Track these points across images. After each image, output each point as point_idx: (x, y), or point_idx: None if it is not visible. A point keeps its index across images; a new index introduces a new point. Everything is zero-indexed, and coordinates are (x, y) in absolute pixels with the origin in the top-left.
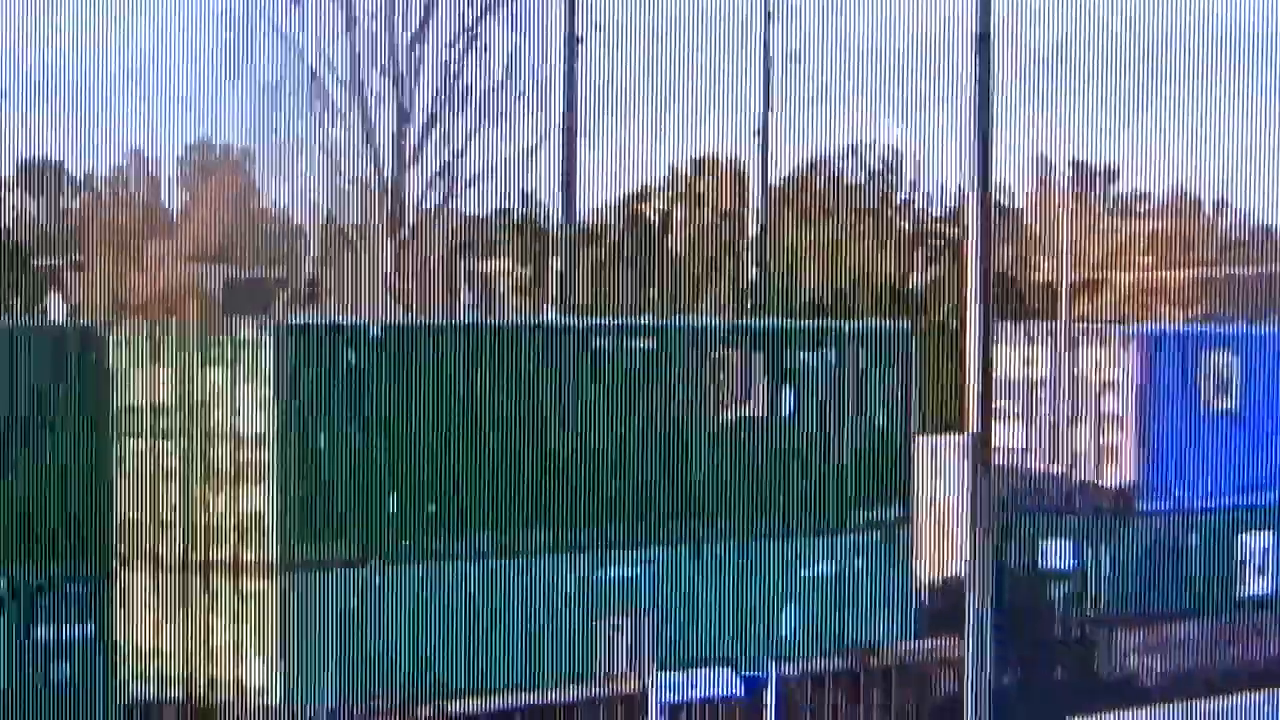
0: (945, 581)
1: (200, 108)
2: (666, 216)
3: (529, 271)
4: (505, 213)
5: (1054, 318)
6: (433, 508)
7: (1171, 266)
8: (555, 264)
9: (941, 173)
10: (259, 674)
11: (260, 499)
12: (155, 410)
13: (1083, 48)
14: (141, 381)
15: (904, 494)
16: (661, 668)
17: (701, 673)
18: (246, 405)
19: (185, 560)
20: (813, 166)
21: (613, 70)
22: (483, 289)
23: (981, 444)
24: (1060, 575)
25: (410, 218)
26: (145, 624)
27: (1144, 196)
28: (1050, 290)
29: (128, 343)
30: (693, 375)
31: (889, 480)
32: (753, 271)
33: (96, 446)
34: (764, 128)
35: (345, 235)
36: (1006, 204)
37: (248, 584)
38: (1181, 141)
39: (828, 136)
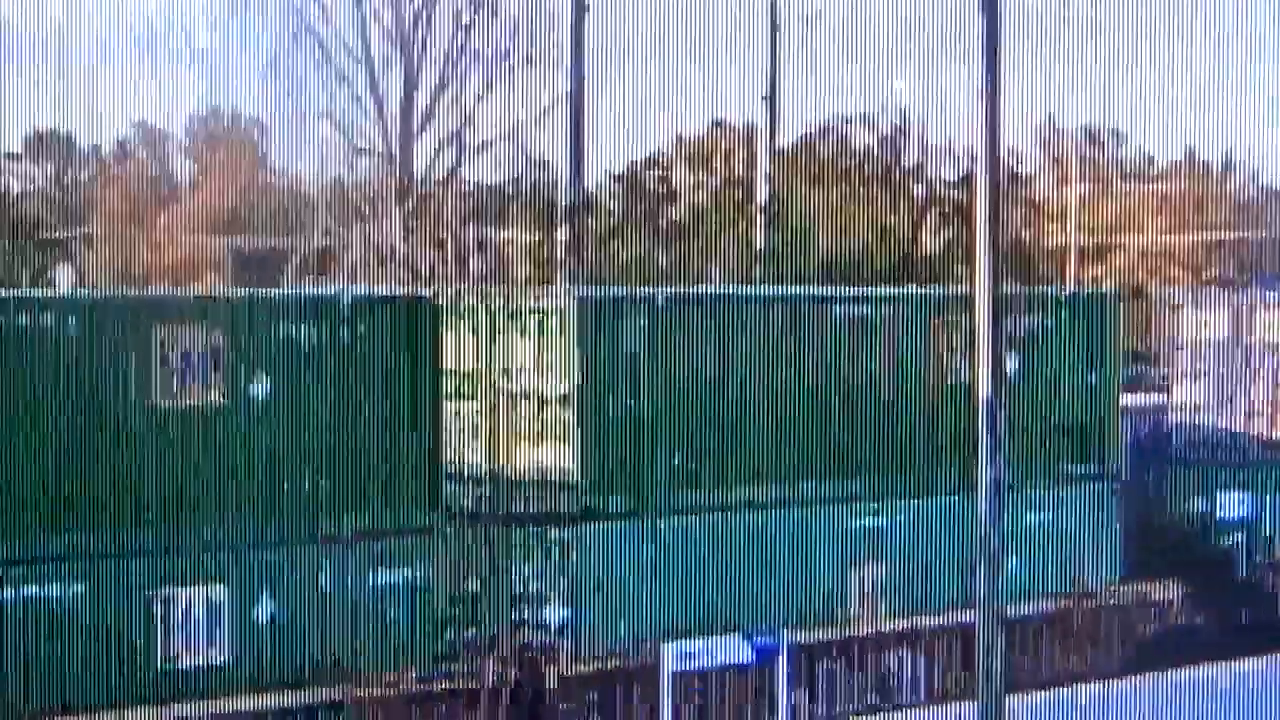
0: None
1: (208, 77)
2: (675, 182)
3: (538, 239)
4: (514, 180)
5: (1063, 282)
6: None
7: (1181, 230)
8: (564, 232)
9: (952, 136)
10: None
11: (563, 455)
12: (463, 374)
13: (1091, 9)
14: (453, 346)
15: (1111, 448)
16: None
17: (712, 641)
18: (549, 369)
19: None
20: (823, 131)
21: (621, 35)
22: (492, 257)
23: (995, 408)
24: (1235, 525)
25: (419, 186)
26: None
27: (1152, 160)
28: (1060, 254)
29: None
30: (927, 340)
31: (1098, 436)
32: (761, 236)
33: (432, 406)
34: (772, 92)
35: (354, 204)
36: (1016, 168)
37: (550, 533)
38: (1189, 103)
39: (837, 100)
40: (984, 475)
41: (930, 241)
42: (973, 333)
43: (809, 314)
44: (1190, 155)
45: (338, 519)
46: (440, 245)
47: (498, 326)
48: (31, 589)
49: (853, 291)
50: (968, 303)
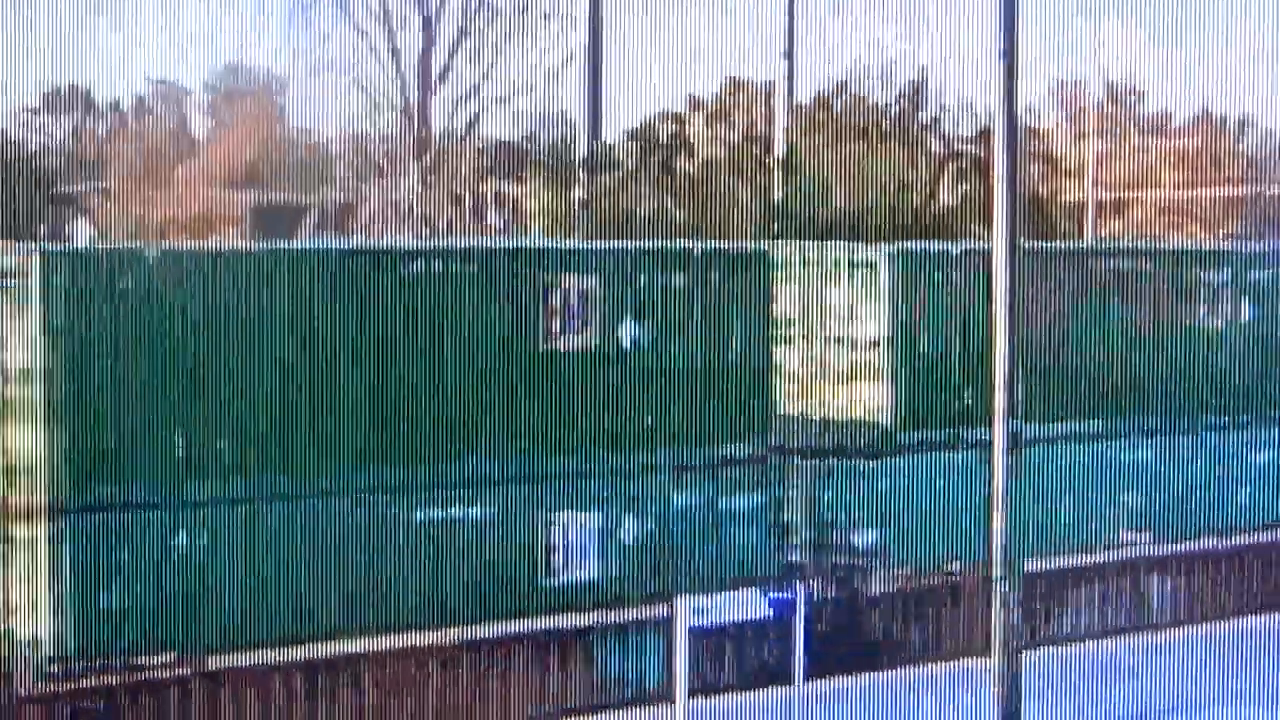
0: None
1: (225, 32)
2: (692, 137)
3: (555, 193)
4: (531, 135)
5: (1080, 236)
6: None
7: (1198, 185)
8: (580, 187)
9: (970, 92)
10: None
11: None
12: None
13: None
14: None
15: None
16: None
17: (728, 595)
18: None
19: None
20: (840, 87)
21: None
22: (511, 212)
23: (1008, 363)
24: None
25: (436, 141)
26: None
27: (1169, 115)
28: (1078, 209)
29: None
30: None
31: None
32: (779, 190)
33: (764, 350)
34: (790, 48)
35: (371, 159)
36: (1035, 124)
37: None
38: (1206, 59)
39: (854, 56)
40: (999, 428)
41: (947, 196)
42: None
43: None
44: (1206, 111)
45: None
46: (457, 200)
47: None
48: (440, 510)
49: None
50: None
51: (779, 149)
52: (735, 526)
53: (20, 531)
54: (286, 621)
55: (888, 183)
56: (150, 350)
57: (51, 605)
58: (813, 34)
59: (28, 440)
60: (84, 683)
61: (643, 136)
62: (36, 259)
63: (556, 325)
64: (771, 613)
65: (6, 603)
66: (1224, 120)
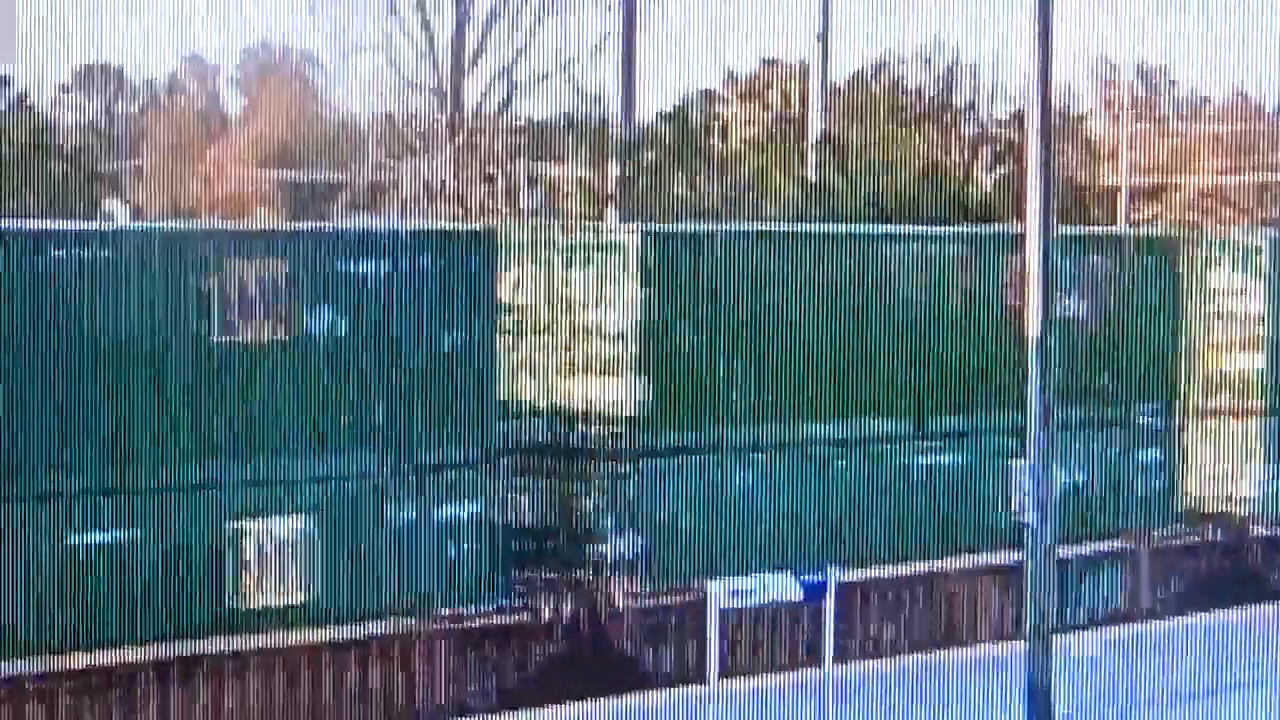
0: None
1: (258, 9)
2: (728, 118)
3: (589, 174)
4: (566, 115)
5: (1114, 222)
6: None
7: (1233, 171)
8: (615, 167)
9: (1005, 75)
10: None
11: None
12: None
13: None
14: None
15: None
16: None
17: (759, 578)
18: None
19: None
20: (875, 69)
21: None
22: (543, 192)
23: (1042, 347)
24: None
25: (469, 120)
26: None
27: (1206, 99)
28: (1113, 194)
29: None
30: None
31: None
32: (814, 172)
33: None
34: (825, 29)
35: (404, 139)
36: (1070, 107)
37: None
38: (1243, 43)
39: (891, 39)
40: (1032, 416)
41: (983, 179)
42: None
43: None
44: (1243, 95)
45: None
46: (491, 180)
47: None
48: None
49: None
50: None
51: (814, 131)
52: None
53: None
54: None
55: (922, 165)
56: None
57: None
58: (850, 15)
59: None
60: None
61: (678, 116)
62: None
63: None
64: (803, 595)
65: None
66: (1261, 105)
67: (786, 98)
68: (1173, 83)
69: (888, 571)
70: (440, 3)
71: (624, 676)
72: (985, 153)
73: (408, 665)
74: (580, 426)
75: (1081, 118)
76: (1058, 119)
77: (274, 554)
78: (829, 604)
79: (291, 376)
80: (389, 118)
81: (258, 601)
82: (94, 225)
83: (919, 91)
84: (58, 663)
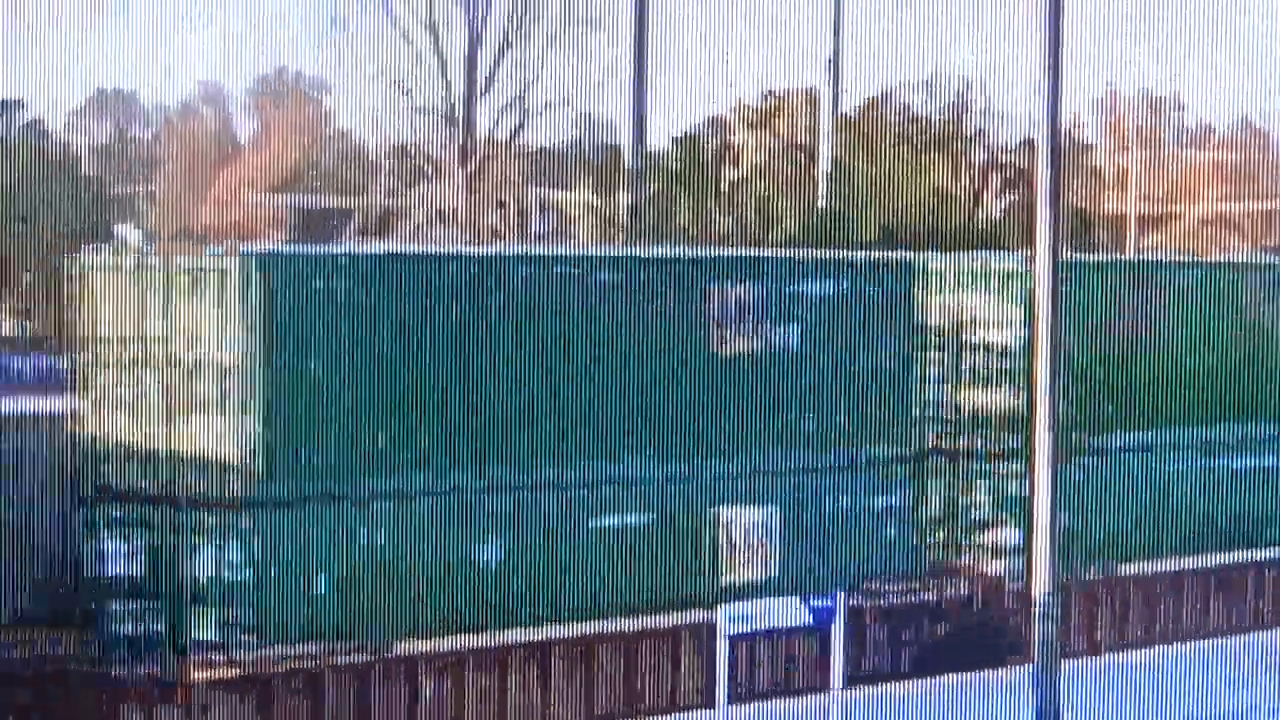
0: None
1: (271, 35)
2: (738, 146)
3: (600, 200)
4: (576, 144)
5: (1122, 249)
6: None
7: (1237, 199)
8: (625, 194)
9: (1014, 104)
10: None
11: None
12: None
13: None
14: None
15: None
16: None
17: (769, 603)
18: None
19: None
20: (885, 96)
21: None
22: (555, 218)
23: (1051, 361)
24: None
25: (480, 147)
26: None
27: (1211, 128)
28: (1119, 221)
29: None
30: None
31: None
32: (824, 199)
33: None
34: (836, 58)
35: (417, 165)
36: (1077, 136)
37: None
38: (1248, 73)
39: (900, 67)
40: (1041, 440)
41: (993, 206)
42: None
43: None
44: (1248, 124)
45: None
46: (501, 206)
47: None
48: None
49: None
50: None
51: (824, 159)
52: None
53: None
54: None
55: (931, 193)
56: None
57: None
58: (858, 43)
59: None
60: None
61: (688, 144)
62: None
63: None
64: (813, 619)
65: None
66: (1266, 133)
67: (796, 126)
68: (1180, 110)
69: None
70: (453, 30)
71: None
72: (995, 179)
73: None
74: None
75: (1088, 146)
76: (1066, 146)
77: (746, 537)
78: (839, 627)
79: (761, 383)
80: (401, 144)
81: (735, 578)
82: (617, 252)
83: (928, 119)
84: (591, 628)
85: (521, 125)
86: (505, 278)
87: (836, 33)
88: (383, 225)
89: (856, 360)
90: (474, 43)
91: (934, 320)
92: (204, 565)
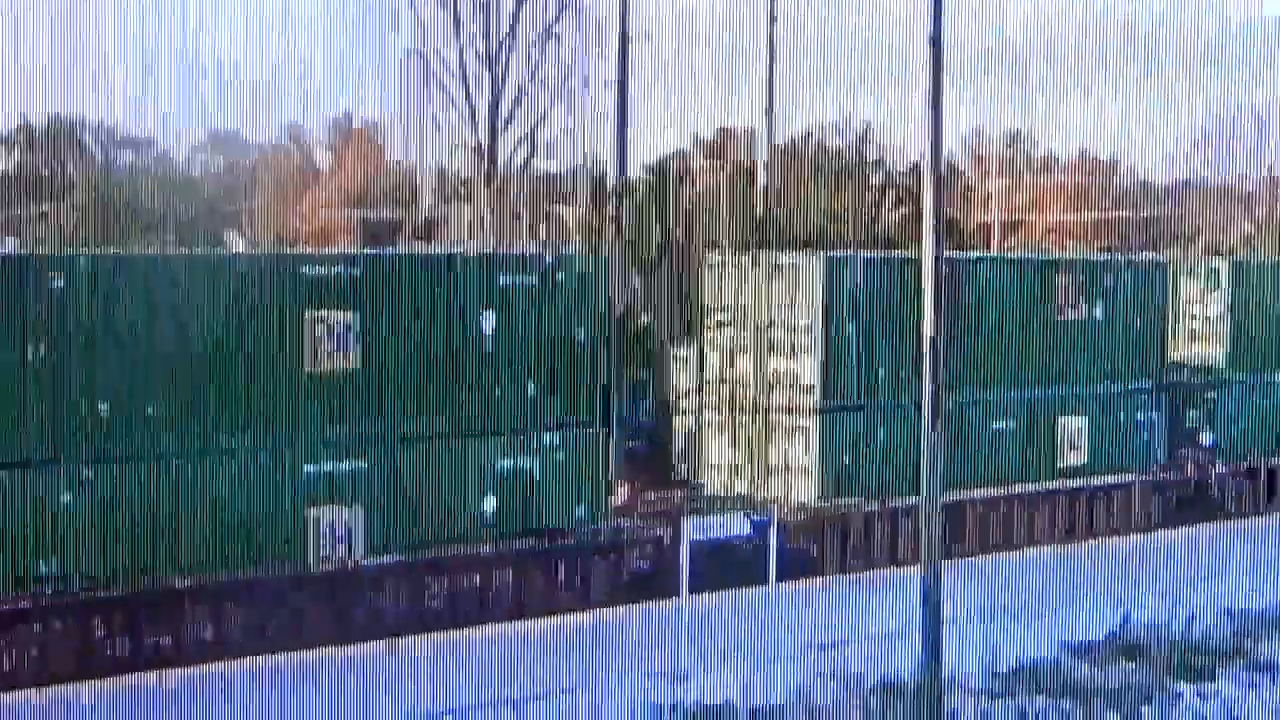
0: None
1: (342, 89)
2: (696, 170)
3: (591, 214)
4: (573, 170)
5: (988, 249)
6: None
7: (1078, 210)
8: (609, 209)
9: (904, 139)
10: None
11: None
12: None
13: (1012, 43)
14: None
15: None
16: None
17: (721, 518)
18: None
19: None
20: (806, 135)
21: (656, 60)
22: (557, 228)
23: (934, 349)
24: None
25: (501, 173)
26: None
27: (1056, 158)
28: (985, 228)
29: None
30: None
31: None
32: (759, 211)
33: None
34: (770, 105)
35: (452, 187)
36: (953, 162)
37: None
38: (1086, 114)
39: (819, 112)
40: (926, 387)
41: (888, 217)
42: None
43: None
44: (1084, 154)
45: None
46: (517, 218)
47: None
48: None
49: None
50: None
51: (761, 180)
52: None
53: None
54: None
55: (842, 206)
56: None
57: None
58: (787, 94)
59: None
60: None
61: (658, 169)
62: None
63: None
64: (751, 529)
65: None
66: (1098, 161)
67: (741, 155)
68: (1033, 144)
69: None
70: (480, 84)
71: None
72: (890, 197)
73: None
74: None
75: (962, 172)
76: (945, 171)
77: (1072, 437)
78: (772, 537)
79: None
80: (440, 170)
81: (1066, 463)
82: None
83: (840, 150)
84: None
85: (532, 156)
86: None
87: (770, 86)
88: (427, 232)
89: (1131, 327)
90: (496, 93)
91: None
92: None
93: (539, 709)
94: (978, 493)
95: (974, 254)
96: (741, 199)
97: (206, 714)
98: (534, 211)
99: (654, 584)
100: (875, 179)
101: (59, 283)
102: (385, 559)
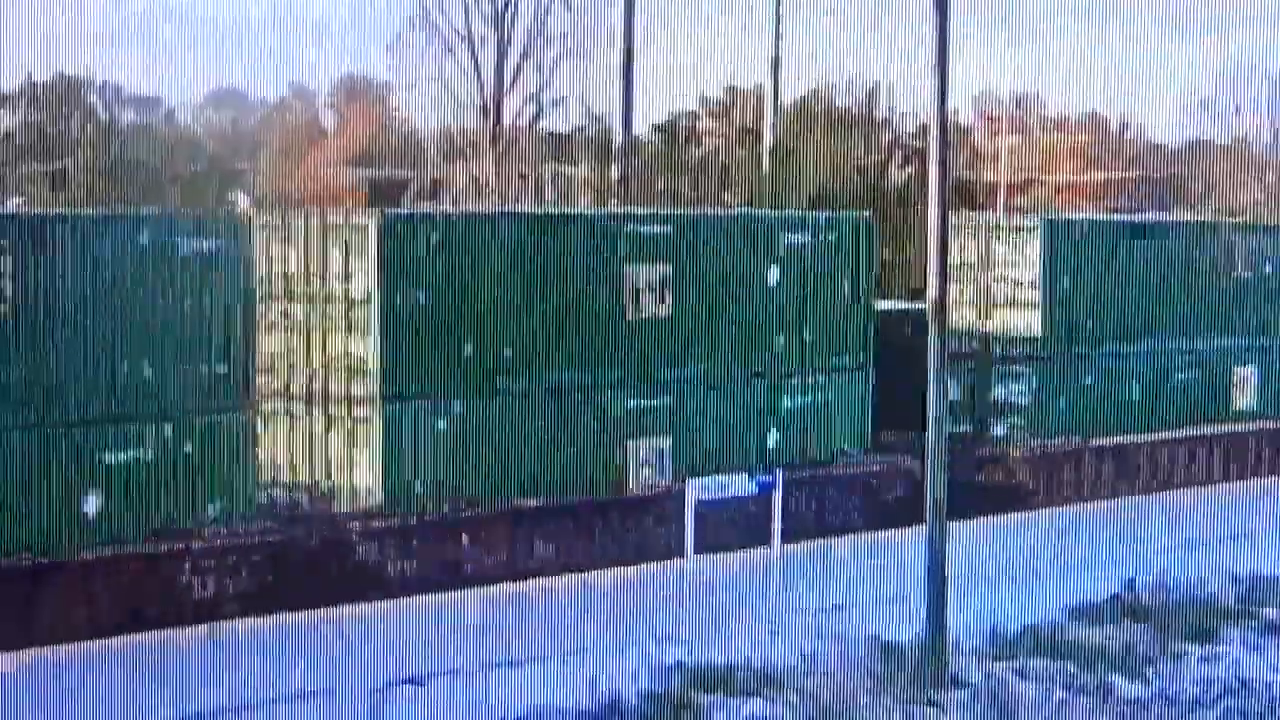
0: None
1: (347, 48)
2: (703, 130)
3: (597, 174)
4: (579, 129)
5: (994, 209)
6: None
7: (1086, 171)
8: (616, 168)
9: (912, 98)
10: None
11: None
12: None
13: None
14: None
15: None
16: None
17: (725, 478)
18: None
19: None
20: (815, 93)
21: (662, 18)
22: (561, 187)
23: (939, 308)
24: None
25: (507, 133)
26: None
27: (1066, 118)
28: (992, 188)
29: None
30: None
31: None
32: (766, 169)
33: None
34: (777, 63)
35: (458, 146)
36: (962, 122)
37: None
38: (1095, 75)
39: (827, 71)
40: (932, 353)
41: (896, 176)
42: None
43: None
44: (1093, 114)
45: None
46: (523, 178)
47: None
48: None
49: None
50: None
51: (768, 139)
52: None
53: None
54: None
55: (849, 165)
56: None
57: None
58: (795, 53)
59: None
60: None
61: (664, 129)
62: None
63: None
64: (757, 489)
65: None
66: (1108, 120)
67: (747, 114)
68: (1040, 104)
69: None
70: (486, 43)
71: None
72: (897, 156)
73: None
74: None
75: (969, 130)
76: (952, 131)
77: (1243, 382)
78: (777, 497)
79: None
80: (446, 130)
81: (1238, 406)
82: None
83: (848, 110)
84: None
85: (538, 115)
86: None
87: (777, 44)
88: (432, 192)
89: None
90: (502, 52)
91: None
92: None
93: None
94: (1155, 436)
95: (1166, 218)
96: (748, 158)
97: None
98: (539, 171)
99: (910, 510)
100: (883, 138)
101: (436, 237)
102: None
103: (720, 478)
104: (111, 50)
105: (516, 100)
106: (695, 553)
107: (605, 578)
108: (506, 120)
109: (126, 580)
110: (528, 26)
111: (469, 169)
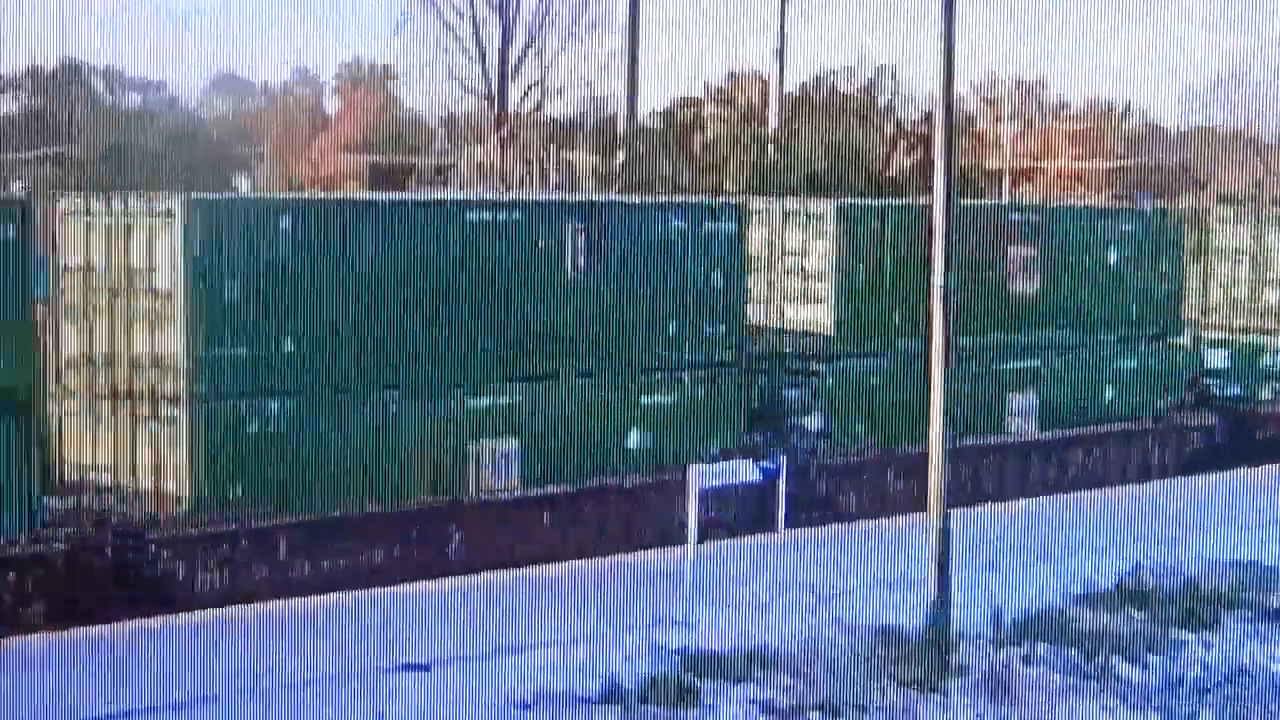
0: None
1: (353, 34)
2: (707, 116)
3: (601, 159)
4: (583, 115)
5: (998, 197)
6: None
7: (1088, 158)
8: (619, 154)
9: (916, 85)
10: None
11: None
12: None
13: None
14: None
15: None
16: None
17: (729, 464)
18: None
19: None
20: (818, 79)
21: (666, 4)
22: (567, 173)
23: (943, 295)
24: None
25: (511, 118)
26: None
27: (1067, 103)
28: (996, 176)
29: None
30: None
31: None
32: (770, 156)
33: None
34: (781, 50)
35: (462, 131)
36: (965, 109)
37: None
38: (1097, 62)
39: (830, 57)
40: (936, 339)
41: (900, 163)
42: None
43: None
44: (1096, 100)
45: None
46: (527, 163)
47: None
48: None
49: None
50: None
51: (771, 126)
52: None
53: None
54: None
55: (852, 152)
56: None
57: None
58: (799, 39)
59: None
60: None
61: (668, 115)
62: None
63: None
64: (761, 476)
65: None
66: (1110, 106)
67: (751, 101)
68: (1043, 89)
69: None
70: (490, 28)
71: None
72: (901, 144)
73: None
74: None
75: (973, 117)
76: (956, 118)
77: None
78: (782, 484)
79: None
80: (451, 116)
81: None
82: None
83: (851, 96)
84: None
85: (542, 102)
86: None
87: (782, 30)
88: (437, 178)
89: None
90: (506, 38)
91: None
92: None
93: None
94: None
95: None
96: (751, 143)
97: None
98: (543, 157)
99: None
100: (886, 125)
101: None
102: None
103: (725, 464)
104: (115, 35)
105: (521, 86)
106: (699, 541)
107: (607, 564)
108: (510, 106)
109: None
110: (532, 12)
111: (472, 154)
